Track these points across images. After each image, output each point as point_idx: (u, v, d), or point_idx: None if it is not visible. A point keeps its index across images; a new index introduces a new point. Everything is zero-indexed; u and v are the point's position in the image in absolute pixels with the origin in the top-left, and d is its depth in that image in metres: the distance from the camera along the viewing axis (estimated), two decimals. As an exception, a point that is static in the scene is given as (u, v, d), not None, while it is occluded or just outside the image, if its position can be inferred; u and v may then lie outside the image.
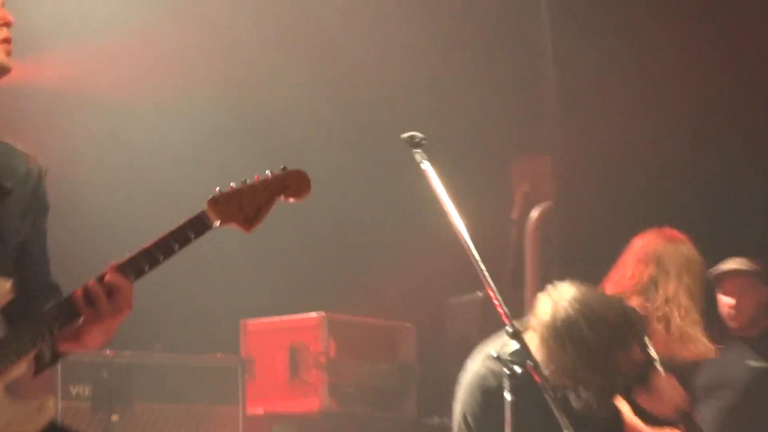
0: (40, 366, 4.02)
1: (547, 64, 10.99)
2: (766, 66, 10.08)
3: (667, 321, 7.11)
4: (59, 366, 7.52)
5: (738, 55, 10.31)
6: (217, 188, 4.15)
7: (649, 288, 7.20)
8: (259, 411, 8.25)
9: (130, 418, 7.77)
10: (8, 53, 4.33)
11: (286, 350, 8.60)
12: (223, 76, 10.90)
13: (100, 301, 3.88)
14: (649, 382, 6.40)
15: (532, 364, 5.78)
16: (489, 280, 5.83)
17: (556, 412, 5.83)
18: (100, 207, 9.57)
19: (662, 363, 7.51)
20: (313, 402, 8.38)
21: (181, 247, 4.06)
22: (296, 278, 9.50)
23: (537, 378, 5.54)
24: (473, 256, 5.86)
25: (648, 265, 7.30)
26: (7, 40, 4.31)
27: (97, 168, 9.96)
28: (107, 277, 3.94)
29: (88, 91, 10.45)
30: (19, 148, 4.51)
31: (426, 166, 5.97)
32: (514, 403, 5.28)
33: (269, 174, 4.26)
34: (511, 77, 10.52)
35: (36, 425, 3.93)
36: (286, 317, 8.79)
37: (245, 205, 4.25)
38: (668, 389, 6.46)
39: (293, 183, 4.36)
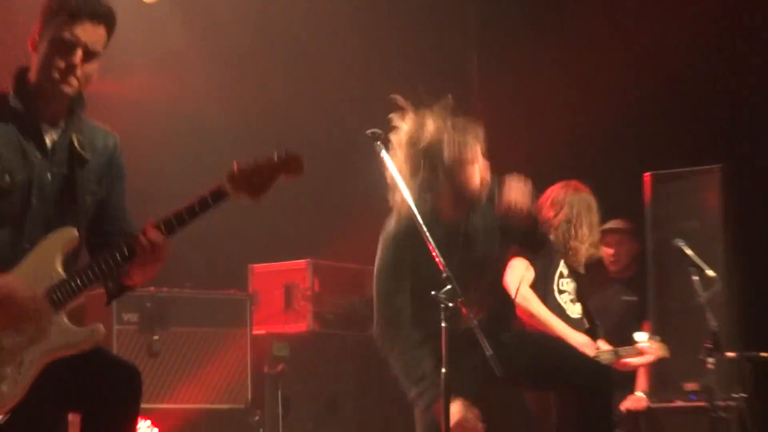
0: (110, 297, 5.21)
1: (473, 72, 11.43)
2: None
3: (576, 246, 8.34)
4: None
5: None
6: (235, 164, 5.08)
7: (564, 224, 8.42)
8: (262, 332, 9.23)
9: (167, 338, 8.76)
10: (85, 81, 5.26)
11: (282, 287, 9.67)
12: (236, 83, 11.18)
13: (146, 252, 4.88)
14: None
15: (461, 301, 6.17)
16: (427, 235, 6.80)
17: (480, 338, 7.02)
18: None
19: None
20: (301, 325, 9.46)
21: (202, 211, 5.07)
22: (290, 231, 10.45)
23: (464, 311, 6.22)
24: (417, 220, 7.16)
25: (562, 208, 8.46)
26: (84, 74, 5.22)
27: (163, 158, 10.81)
28: (149, 233, 4.88)
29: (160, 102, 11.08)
30: (102, 126, 5.55)
31: (384, 154, 7.27)
32: (447, 329, 6.05)
33: (275, 156, 5.21)
34: (440, 83, 9.98)
35: (89, 344, 4.82)
36: (282, 263, 9.83)
37: (254, 181, 5.19)
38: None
39: (293, 165, 5.29)
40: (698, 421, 8.82)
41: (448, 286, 6.07)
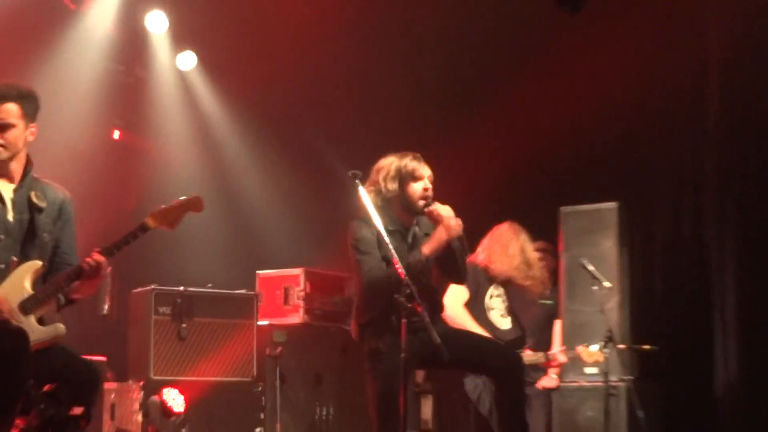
0: (59, 306, 5.48)
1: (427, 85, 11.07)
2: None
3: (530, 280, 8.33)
4: (152, 294, 8.61)
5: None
6: (159, 207, 5.71)
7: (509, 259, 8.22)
8: (265, 323, 9.13)
9: (192, 326, 8.70)
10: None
11: (282, 289, 9.53)
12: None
13: (90, 269, 5.31)
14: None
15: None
16: (391, 248, 6.80)
17: (430, 330, 6.77)
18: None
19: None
20: (296, 318, 9.40)
21: (133, 240, 5.60)
22: (288, 247, 10.33)
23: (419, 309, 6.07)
24: (384, 240, 7.01)
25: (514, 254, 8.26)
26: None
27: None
28: (93, 256, 5.36)
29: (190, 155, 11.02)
30: (54, 184, 5.89)
31: (361, 190, 7.21)
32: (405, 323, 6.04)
33: (183, 199, 5.84)
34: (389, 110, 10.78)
35: (51, 339, 5.21)
36: (281, 270, 9.69)
37: (170, 217, 5.75)
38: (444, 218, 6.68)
39: (195, 204, 5.90)
40: (596, 397, 8.73)
41: (408, 291, 6.00)
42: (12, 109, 5.49)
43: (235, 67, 10.70)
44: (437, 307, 7.15)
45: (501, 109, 9.80)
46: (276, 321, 9.31)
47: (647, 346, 8.85)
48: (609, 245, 9.04)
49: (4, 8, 9.21)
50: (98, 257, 5.35)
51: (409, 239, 6.96)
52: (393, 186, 6.84)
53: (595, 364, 8.57)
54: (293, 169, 10.18)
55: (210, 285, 9.14)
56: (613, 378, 8.54)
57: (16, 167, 5.59)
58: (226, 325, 8.97)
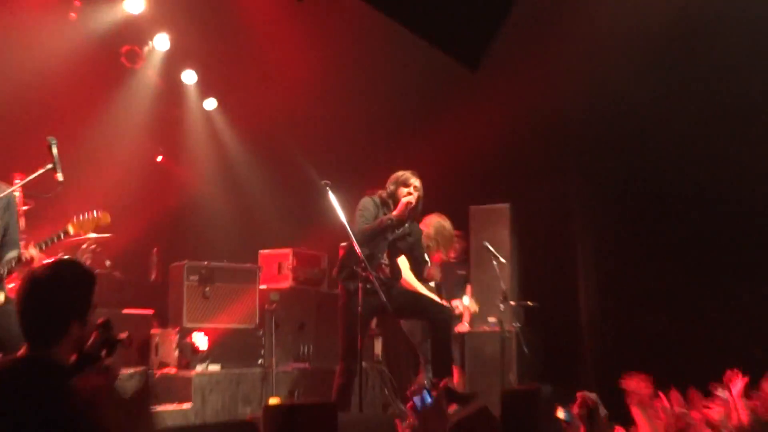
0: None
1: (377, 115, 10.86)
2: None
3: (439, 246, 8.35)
4: (185, 267, 8.53)
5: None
6: (82, 215, 5.79)
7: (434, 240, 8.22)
8: (264, 287, 9.02)
9: (213, 289, 8.58)
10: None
11: (276, 263, 9.48)
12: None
13: (27, 261, 5.29)
14: None
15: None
16: (355, 243, 6.67)
17: (378, 289, 6.89)
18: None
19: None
20: (285, 284, 9.32)
21: (57, 240, 5.64)
22: (281, 233, 10.08)
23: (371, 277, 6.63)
24: (350, 234, 7.13)
25: (429, 232, 8.17)
26: None
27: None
28: (29, 250, 5.35)
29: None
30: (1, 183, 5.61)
31: (332, 196, 7.30)
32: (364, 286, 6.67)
33: (96, 215, 5.83)
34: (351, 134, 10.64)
35: None
36: (276, 250, 9.58)
37: (85, 226, 5.78)
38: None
39: (104, 219, 5.94)
40: (495, 339, 8.65)
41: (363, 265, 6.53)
42: None
43: (244, 107, 10.60)
44: (397, 274, 7.37)
45: (429, 137, 9.74)
46: (272, 285, 9.23)
47: (530, 303, 8.91)
48: (503, 233, 9.15)
49: (83, 65, 9.18)
50: (32, 251, 5.30)
51: (398, 231, 7.16)
52: (392, 188, 7.15)
53: (474, 313, 8.87)
54: (285, 177, 10.06)
55: (225, 260, 9.05)
56: (506, 325, 8.56)
57: None
58: (237, 288, 8.89)
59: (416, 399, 3.38)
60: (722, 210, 8.98)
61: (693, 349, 8.03)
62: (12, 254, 5.33)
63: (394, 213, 6.95)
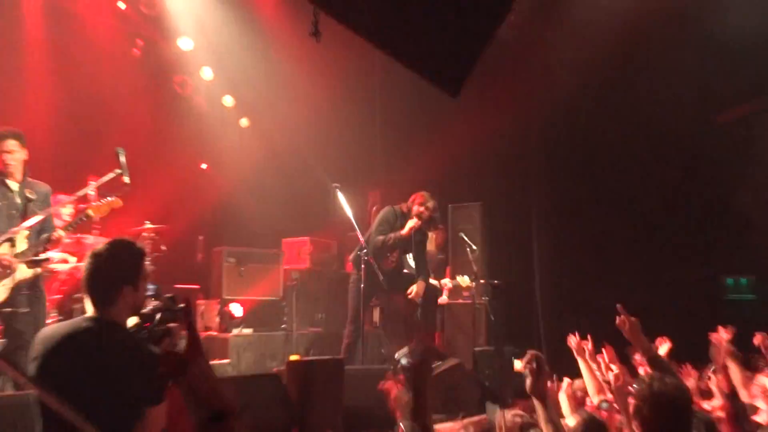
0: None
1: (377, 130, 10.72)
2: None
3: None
4: (225, 251, 8.51)
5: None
6: (99, 200, 5.60)
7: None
8: (288, 267, 8.97)
9: (246, 268, 8.55)
10: None
11: (296, 249, 9.47)
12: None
13: (56, 241, 5.25)
14: None
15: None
16: (360, 234, 7.15)
17: (377, 272, 7.09)
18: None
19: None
20: (304, 265, 9.25)
21: (79, 223, 5.45)
22: (301, 225, 9.86)
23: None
24: (357, 229, 7.23)
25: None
26: None
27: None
28: (58, 232, 5.24)
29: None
30: (39, 182, 5.51)
31: (340, 196, 7.38)
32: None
33: (112, 199, 5.57)
34: (356, 145, 10.46)
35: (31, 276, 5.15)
36: (295, 238, 9.51)
37: (101, 210, 5.49)
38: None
39: (117, 203, 5.61)
40: (468, 309, 8.58)
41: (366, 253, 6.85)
42: (13, 143, 5.34)
43: (271, 124, 10.49)
44: (400, 265, 7.63)
45: (419, 149, 9.72)
46: (293, 266, 9.22)
47: (496, 281, 8.84)
48: (476, 226, 9.11)
49: (144, 91, 9.24)
50: (60, 232, 5.29)
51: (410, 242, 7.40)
52: (410, 205, 7.41)
53: (467, 288, 8.68)
54: (304, 180, 9.86)
55: (257, 248, 9.07)
56: (477, 299, 8.58)
57: (18, 174, 5.41)
58: (266, 268, 8.88)
59: (401, 358, 3.24)
60: (649, 208, 9.20)
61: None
62: (45, 235, 5.30)
63: (402, 232, 7.10)
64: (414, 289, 7.51)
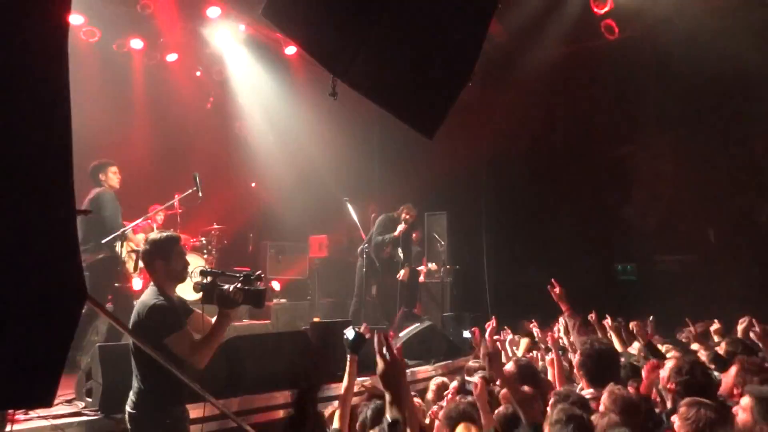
0: None
1: (375, 159, 10.61)
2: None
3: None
4: (268, 244, 8.41)
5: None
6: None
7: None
8: (312, 256, 8.96)
9: (283, 257, 8.41)
10: None
11: (318, 243, 9.24)
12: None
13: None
14: None
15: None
16: (363, 234, 7.11)
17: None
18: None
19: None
20: (324, 254, 9.12)
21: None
22: (322, 226, 9.48)
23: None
24: (361, 230, 7.18)
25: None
26: None
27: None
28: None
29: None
30: None
31: (349, 207, 7.34)
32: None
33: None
34: (360, 170, 10.21)
35: None
36: (318, 236, 9.26)
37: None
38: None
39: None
40: (437, 286, 8.31)
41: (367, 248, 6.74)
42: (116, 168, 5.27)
43: (298, 154, 10.12)
44: (393, 255, 7.38)
45: (403, 171, 9.44)
46: (316, 255, 9.16)
47: (457, 266, 8.74)
48: (443, 228, 8.86)
49: (212, 131, 9.20)
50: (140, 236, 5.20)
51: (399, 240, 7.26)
52: (399, 212, 7.28)
53: (437, 272, 8.51)
54: (324, 194, 9.35)
55: (287, 242, 9.01)
56: (444, 279, 8.40)
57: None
58: (297, 256, 8.89)
59: (347, 332, 3.05)
60: (565, 213, 9.23)
61: (546, 297, 7.95)
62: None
63: (395, 234, 7.03)
64: (402, 273, 7.48)
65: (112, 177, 5.27)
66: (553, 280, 3.93)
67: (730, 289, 7.55)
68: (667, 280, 8.63)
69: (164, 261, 2.87)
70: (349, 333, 3.00)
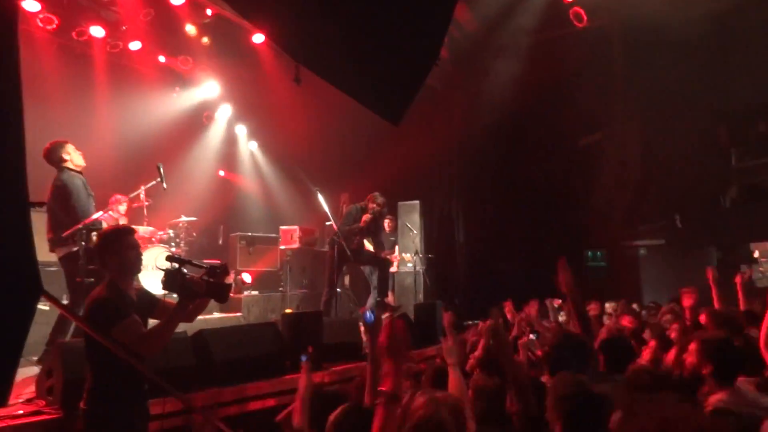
0: None
1: (347, 149, 10.06)
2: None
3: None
4: (238, 236, 8.18)
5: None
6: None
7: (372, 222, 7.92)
8: (283, 247, 8.70)
9: (254, 249, 8.37)
10: None
11: (290, 234, 8.96)
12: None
13: None
14: None
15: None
16: (334, 224, 7.10)
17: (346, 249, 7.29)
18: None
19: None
20: (295, 245, 8.78)
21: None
22: (292, 218, 9.61)
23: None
24: (332, 220, 7.14)
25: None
26: None
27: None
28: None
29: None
30: None
31: (320, 197, 7.26)
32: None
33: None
34: (331, 160, 9.95)
35: None
36: (289, 226, 9.02)
37: None
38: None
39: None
40: (411, 276, 8.50)
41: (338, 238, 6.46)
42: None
43: (271, 143, 10.26)
44: (361, 245, 7.22)
45: (376, 161, 9.34)
46: (287, 246, 8.95)
47: (430, 255, 8.79)
48: (416, 217, 8.96)
49: (180, 121, 9.05)
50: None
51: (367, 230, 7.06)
52: (366, 202, 7.02)
53: (411, 260, 8.53)
54: (294, 184, 9.53)
55: (260, 233, 8.84)
56: (418, 268, 8.46)
57: None
58: (267, 248, 8.71)
59: (366, 314, 3.03)
60: (536, 202, 9.30)
61: (521, 282, 7.87)
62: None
63: (361, 224, 6.93)
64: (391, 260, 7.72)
65: (75, 155, 4.75)
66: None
67: (695, 273, 7.81)
68: (636, 265, 8.88)
69: (115, 254, 2.81)
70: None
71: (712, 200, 8.79)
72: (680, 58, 7.64)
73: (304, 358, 2.90)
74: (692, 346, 2.64)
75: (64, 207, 4.49)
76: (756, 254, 8.12)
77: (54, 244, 4.53)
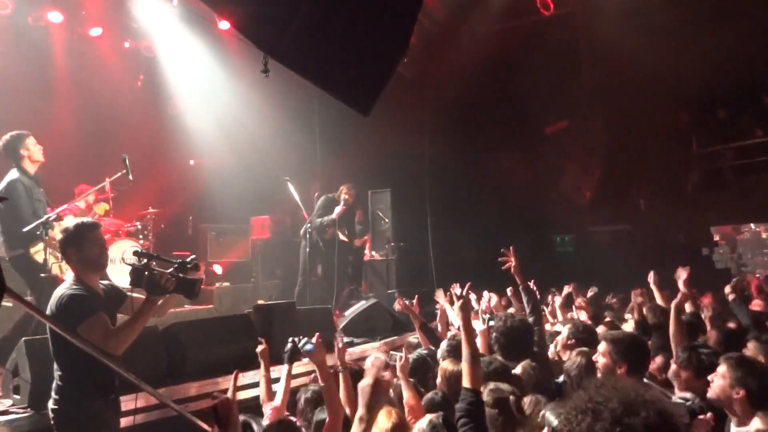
0: None
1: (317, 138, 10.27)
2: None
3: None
4: (208, 227, 8.15)
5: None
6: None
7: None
8: (254, 237, 8.72)
9: (225, 239, 8.28)
10: None
11: (260, 224, 9.06)
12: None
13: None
14: None
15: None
16: (306, 214, 7.02)
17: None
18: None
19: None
20: (266, 235, 8.92)
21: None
22: (263, 208, 9.29)
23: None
24: (303, 210, 7.08)
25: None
26: None
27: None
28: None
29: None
30: None
31: (290, 187, 7.22)
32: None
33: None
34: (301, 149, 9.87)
35: None
36: (260, 217, 9.10)
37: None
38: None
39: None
40: (383, 264, 8.37)
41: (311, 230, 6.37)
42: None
43: (239, 134, 9.72)
44: (334, 236, 7.21)
45: (348, 151, 9.29)
46: (258, 237, 8.98)
47: (402, 243, 8.72)
48: (387, 206, 8.81)
49: (143, 110, 8.72)
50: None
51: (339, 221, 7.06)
52: (338, 193, 7.09)
53: (380, 252, 8.51)
54: (265, 175, 9.12)
55: (232, 224, 8.79)
56: (389, 256, 8.38)
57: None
58: (238, 238, 8.63)
59: (308, 345, 2.93)
60: (506, 190, 9.38)
61: (490, 271, 8.21)
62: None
63: (333, 216, 6.93)
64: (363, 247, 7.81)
65: (35, 150, 4.51)
66: (505, 251, 3.73)
67: (658, 256, 7.95)
68: (602, 250, 9.06)
69: (77, 249, 2.76)
70: (309, 347, 2.87)
71: (674, 185, 9.00)
72: (642, 45, 7.75)
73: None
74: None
75: (7, 212, 4.34)
76: (716, 238, 8.36)
77: (3, 245, 4.43)
